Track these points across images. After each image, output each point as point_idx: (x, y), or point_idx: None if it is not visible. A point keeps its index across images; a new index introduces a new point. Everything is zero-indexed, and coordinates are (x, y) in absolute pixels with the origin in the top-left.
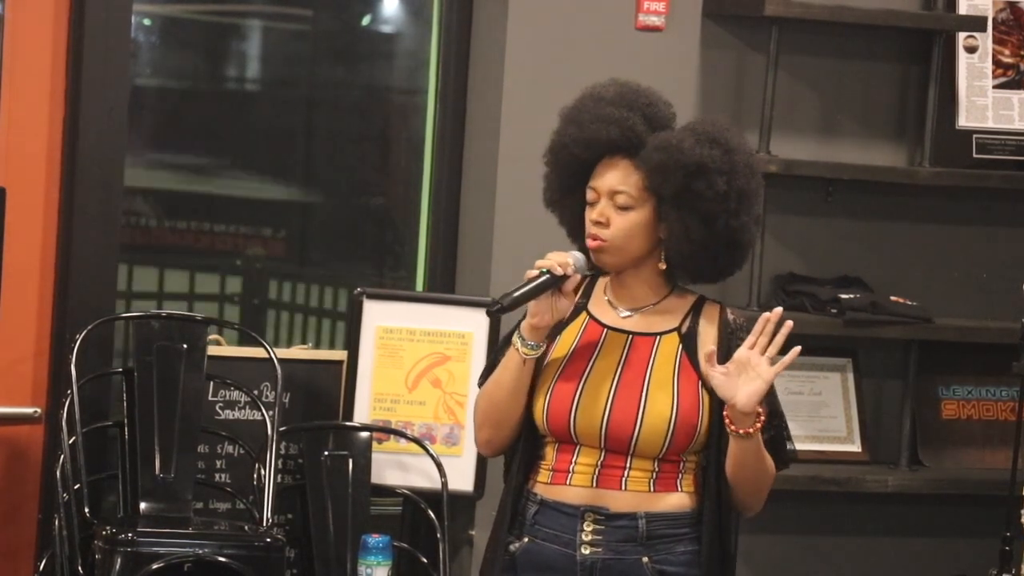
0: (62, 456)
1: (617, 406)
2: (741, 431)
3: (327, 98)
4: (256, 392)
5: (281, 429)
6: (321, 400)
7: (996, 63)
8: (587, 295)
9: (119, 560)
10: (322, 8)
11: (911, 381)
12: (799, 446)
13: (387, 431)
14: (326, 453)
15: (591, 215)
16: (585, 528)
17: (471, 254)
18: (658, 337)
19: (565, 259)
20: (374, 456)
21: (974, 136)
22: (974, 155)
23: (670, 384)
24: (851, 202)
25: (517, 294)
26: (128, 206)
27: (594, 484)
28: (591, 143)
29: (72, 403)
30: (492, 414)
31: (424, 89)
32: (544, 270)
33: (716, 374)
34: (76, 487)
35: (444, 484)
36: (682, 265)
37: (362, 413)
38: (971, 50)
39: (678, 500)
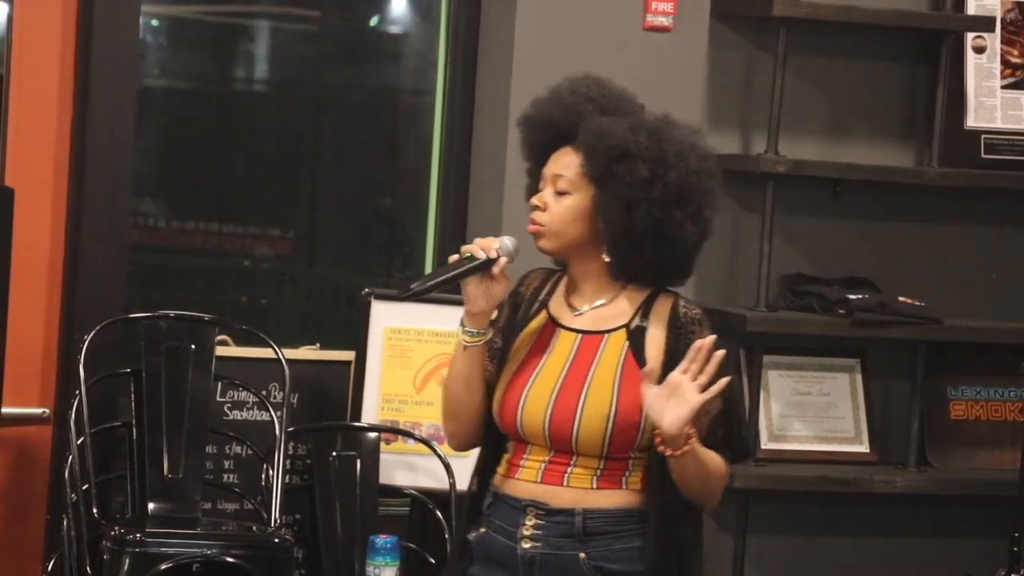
0: (70, 456)
1: (558, 406)
2: (669, 452)
3: (335, 98)
4: (264, 393)
5: (289, 430)
6: (329, 401)
7: (1004, 63)
8: (550, 293)
9: (127, 560)
10: (330, 8)
11: (919, 382)
12: (807, 446)
13: (395, 432)
14: (334, 454)
15: (531, 200)
16: (526, 523)
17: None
18: (606, 335)
19: (491, 243)
20: (382, 457)
21: (982, 136)
22: (982, 155)
23: (611, 382)
24: (859, 202)
25: (431, 279)
26: (136, 206)
27: (539, 479)
28: (537, 122)
29: (80, 403)
30: (451, 406)
31: (432, 89)
32: (468, 254)
33: (648, 395)
34: (84, 487)
35: (452, 485)
36: (620, 258)
37: (370, 414)
38: (979, 50)
39: (620, 497)
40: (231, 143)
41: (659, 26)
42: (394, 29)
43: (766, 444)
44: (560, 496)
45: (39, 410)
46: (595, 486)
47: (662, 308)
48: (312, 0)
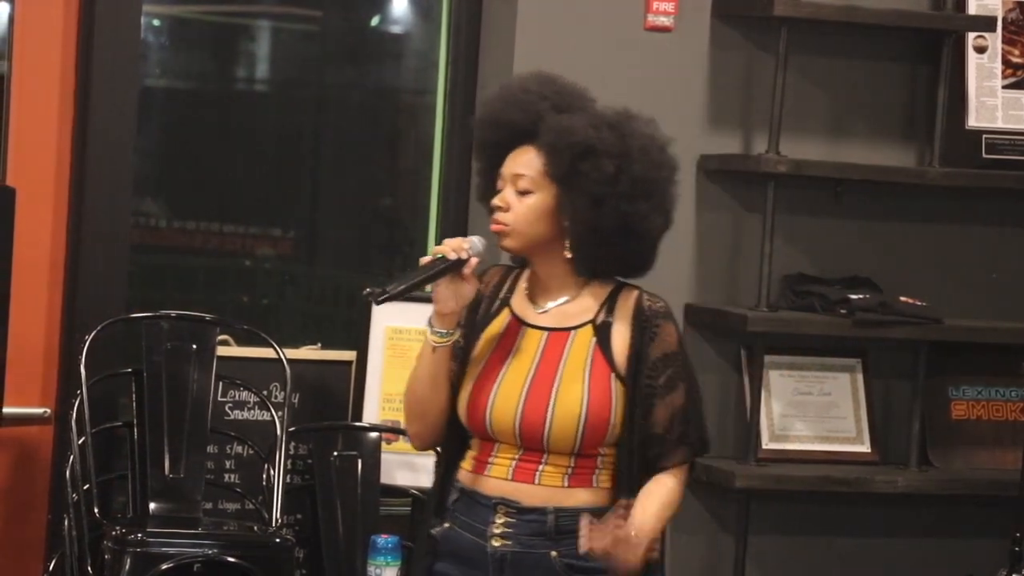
0: (72, 456)
1: (528, 404)
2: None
3: (336, 98)
4: (265, 392)
5: (290, 429)
6: (330, 400)
7: (1005, 63)
8: (512, 290)
9: (128, 560)
10: (331, 8)
11: (921, 381)
12: (809, 446)
13: (396, 431)
14: (335, 453)
15: (493, 200)
16: (496, 521)
17: None
18: (573, 331)
19: (461, 244)
20: (383, 456)
21: (983, 136)
22: (984, 155)
23: (581, 379)
24: (860, 202)
25: (405, 283)
26: (137, 206)
27: (510, 477)
28: (494, 123)
29: (82, 403)
30: (415, 407)
31: (433, 89)
32: (439, 256)
33: (597, 542)
34: (86, 487)
35: None
36: (585, 254)
37: (371, 413)
38: (980, 50)
39: (591, 496)
40: (232, 143)
41: (660, 26)
42: (395, 29)
43: (767, 444)
44: (532, 494)
45: (40, 410)
46: (566, 484)
47: (626, 302)
48: (313, 0)
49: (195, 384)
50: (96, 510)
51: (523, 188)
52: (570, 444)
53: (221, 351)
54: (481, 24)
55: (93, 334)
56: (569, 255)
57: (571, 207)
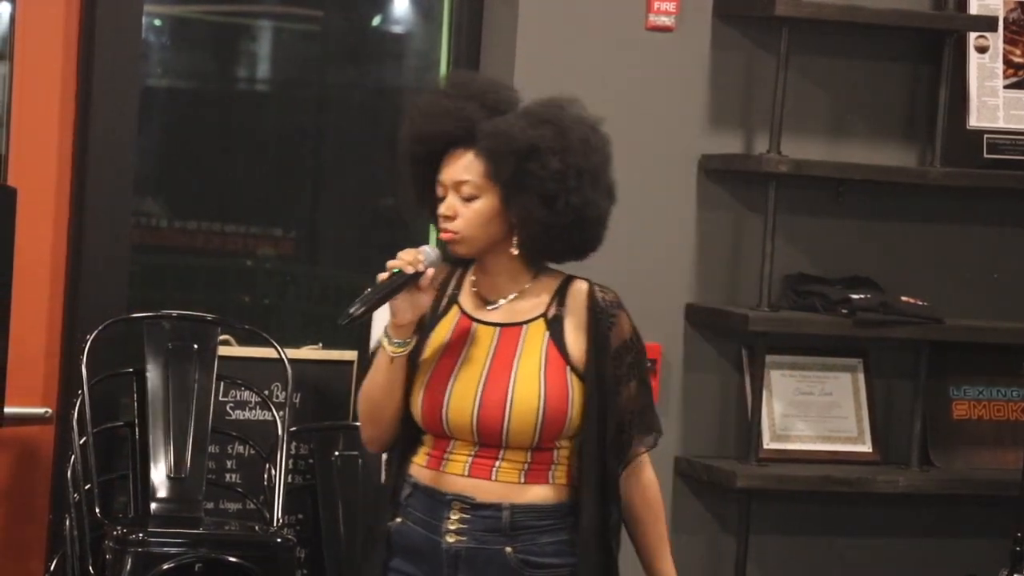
0: (73, 456)
1: (485, 401)
2: None
3: (337, 98)
4: (266, 392)
5: (291, 429)
6: (331, 400)
7: (1007, 63)
8: (458, 288)
9: (130, 560)
10: (332, 8)
11: (922, 381)
12: (810, 446)
13: None
14: (336, 453)
15: (439, 209)
16: (451, 517)
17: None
18: (525, 326)
19: (416, 256)
20: (384, 456)
21: (985, 136)
22: (985, 155)
23: (537, 373)
24: (862, 202)
25: (368, 301)
26: (138, 206)
27: (466, 473)
28: (429, 138)
29: (83, 403)
30: (372, 413)
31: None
32: (396, 270)
33: None
34: (87, 487)
35: None
36: (536, 248)
37: None
38: (982, 50)
39: (547, 492)
40: (233, 143)
41: (661, 26)
42: (396, 29)
43: (769, 444)
44: (488, 490)
45: (41, 410)
46: (523, 481)
47: (577, 295)
48: (314, 0)
49: (196, 384)
50: (97, 510)
51: (468, 194)
52: (529, 439)
53: (222, 351)
54: (482, 24)
55: (94, 334)
56: (516, 251)
57: (521, 208)
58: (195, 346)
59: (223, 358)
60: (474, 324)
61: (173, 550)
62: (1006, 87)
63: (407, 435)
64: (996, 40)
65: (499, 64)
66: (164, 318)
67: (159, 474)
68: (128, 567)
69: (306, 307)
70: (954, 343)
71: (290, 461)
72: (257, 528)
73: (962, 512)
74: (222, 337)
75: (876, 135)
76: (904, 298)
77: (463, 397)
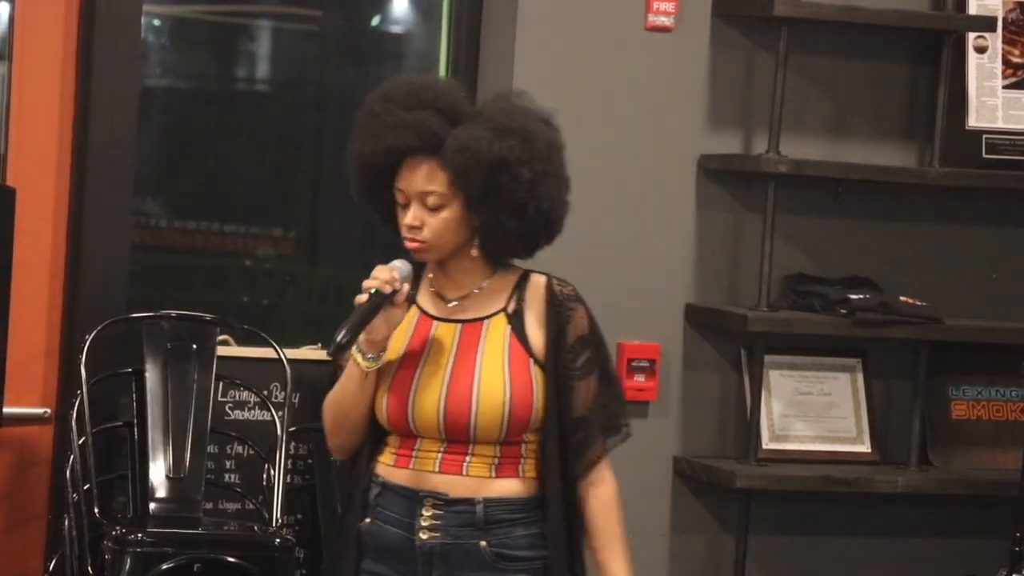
0: (72, 456)
1: (451, 398)
2: None
3: (336, 98)
4: (265, 392)
5: (290, 429)
6: None
7: (1006, 63)
8: (415, 287)
9: (129, 560)
10: (331, 8)
11: (921, 381)
12: (809, 446)
13: None
14: None
15: (405, 219)
16: (424, 513)
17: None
18: (486, 321)
19: (391, 274)
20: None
21: (984, 136)
22: (984, 155)
23: (501, 367)
24: (861, 202)
25: (353, 326)
26: (138, 206)
27: (436, 469)
28: (390, 151)
29: (82, 403)
30: (342, 423)
31: None
32: (374, 290)
33: None
34: (86, 487)
35: None
36: (501, 251)
37: None
38: (981, 50)
39: (518, 485)
40: (233, 143)
41: (660, 26)
42: (395, 29)
43: (767, 444)
44: (460, 486)
45: (40, 410)
46: (493, 475)
47: (536, 290)
48: (313, 0)
49: (195, 384)
50: (96, 510)
51: (434, 204)
52: (496, 433)
53: (221, 351)
54: (481, 24)
55: (93, 334)
56: (477, 252)
57: (491, 218)
58: (194, 346)
59: (222, 358)
60: (435, 323)
61: (172, 550)
62: (1005, 87)
63: (371, 436)
64: (995, 40)
65: (498, 64)
66: (163, 318)
67: (158, 474)
68: (127, 567)
69: (305, 307)
70: (953, 343)
71: (289, 461)
72: (256, 528)
73: (961, 512)
74: (221, 337)
75: (875, 135)
76: (903, 298)
77: (428, 395)
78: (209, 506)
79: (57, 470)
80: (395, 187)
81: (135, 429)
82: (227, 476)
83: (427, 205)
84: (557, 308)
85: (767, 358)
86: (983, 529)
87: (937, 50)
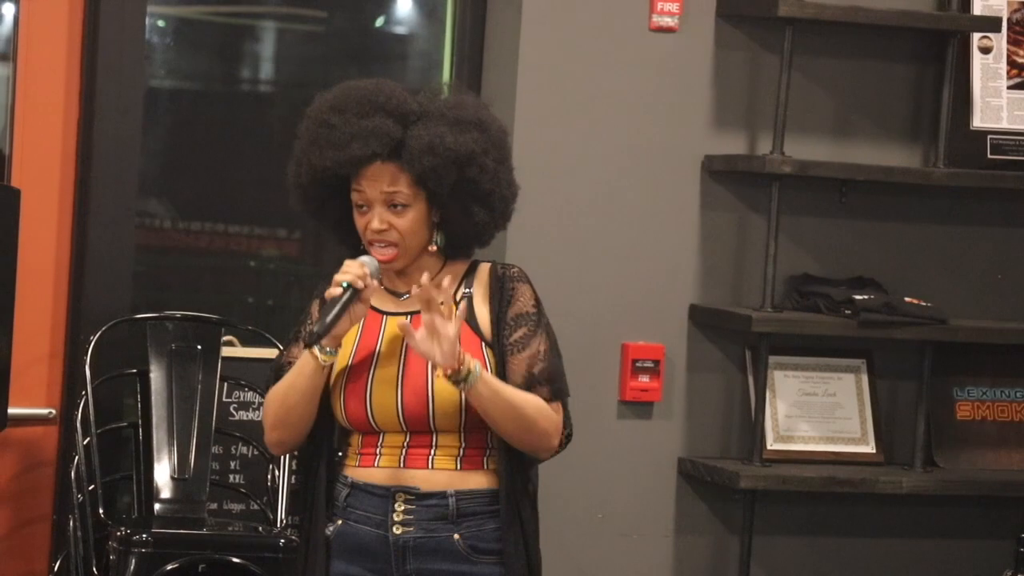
0: (77, 457)
1: (407, 389)
2: (450, 374)
3: None
4: None
5: None
6: None
7: (1011, 64)
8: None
9: (134, 561)
10: (336, 9)
11: (926, 382)
12: (813, 447)
13: None
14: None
15: (372, 224)
16: (396, 508)
17: (484, 256)
18: None
19: (362, 270)
20: (292, 464)
21: (988, 137)
22: (989, 156)
23: None
24: (865, 203)
25: (329, 319)
26: (142, 207)
27: (402, 464)
28: (354, 162)
29: (87, 404)
30: (286, 417)
31: None
32: (346, 284)
33: (415, 342)
34: (91, 488)
35: None
36: (462, 243)
37: None
38: (986, 51)
39: (484, 479)
40: (237, 144)
41: (665, 27)
42: (400, 30)
43: (772, 444)
44: (430, 479)
45: (45, 410)
46: (460, 468)
47: (482, 274)
48: (318, 1)
49: (200, 385)
50: (101, 511)
51: (400, 204)
52: (455, 419)
53: (226, 352)
54: (486, 25)
55: (98, 335)
56: (433, 248)
57: (459, 212)
58: (199, 347)
59: (227, 359)
60: (384, 317)
61: (176, 551)
62: (1010, 88)
63: (330, 438)
64: (1000, 41)
65: (502, 65)
66: (168, 319)
67: (163, 475)
68: (132, 568)
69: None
70: (958, 344)
71: (293, 462)
72: (261, 529)
73: (966, 513)
74: (226, 338)
75: (880, 136)
76: (908, 299)
77: (385, 390)
78: (213, 507)
79: (62, 471)
80: (354, 189)
81: (140, 430)
82: (232, 477)
83: (392, 207)
84: (500, 288)
85: (771, 359)
86: (988, 530)
87: (942, 51)
